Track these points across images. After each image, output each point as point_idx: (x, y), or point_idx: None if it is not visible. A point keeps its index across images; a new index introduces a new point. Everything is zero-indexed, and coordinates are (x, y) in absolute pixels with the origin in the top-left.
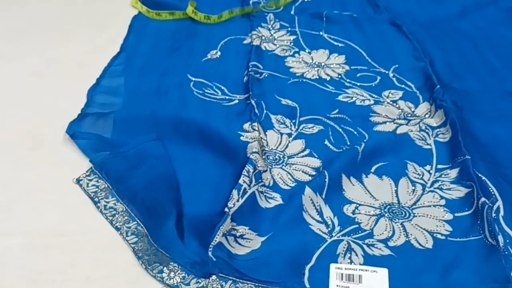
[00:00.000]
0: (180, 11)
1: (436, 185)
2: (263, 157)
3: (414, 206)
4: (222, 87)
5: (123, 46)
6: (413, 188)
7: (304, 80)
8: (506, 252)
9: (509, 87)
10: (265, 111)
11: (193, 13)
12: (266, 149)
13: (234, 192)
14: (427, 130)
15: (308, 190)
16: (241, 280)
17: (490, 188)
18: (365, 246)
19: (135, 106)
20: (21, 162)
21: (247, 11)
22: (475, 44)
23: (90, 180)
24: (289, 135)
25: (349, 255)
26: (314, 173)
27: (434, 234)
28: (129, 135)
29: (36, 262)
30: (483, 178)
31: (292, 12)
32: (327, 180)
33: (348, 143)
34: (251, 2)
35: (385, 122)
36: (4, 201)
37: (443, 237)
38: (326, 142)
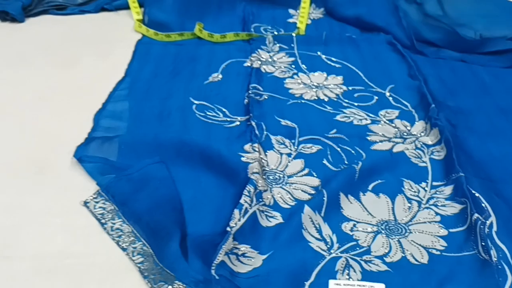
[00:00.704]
0: (189, 32)
1: (431, 201)
2: (264, 177)
3: (410, 223)
4: (224, 109)
5: (127, 71)
6: (409, 205)
7: (303, 101)
8: (499, 266)
9: (502, 103)
10: (265, 132)
11: (199, 32)
12: (267, 169)
13: (236, 211)
14: (422, 148)
15: (307, 209)
16: None
17: (483, 204)
18: (362, 263)
19: (139, 130)
20: (29, 186)
21: (254, 36)
22: (465, 61)
23: (97, 202)
24: (289, 155)
25: (347, 271)
26: (313, 192)
27: (430, 250)
28: (133, 158)
29: (44, 285)
30: (476, 194)
31: (292, 34)
32: (325, 198)
33: (346, 162)
34: (252, 26)
35: (381, 141)
36: (12, 225)
37: (438, 253)
38: (325, 161)
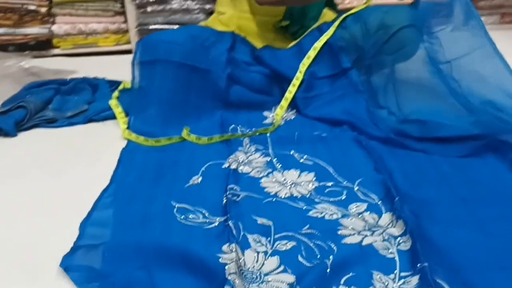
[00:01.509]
0: (176, 136)
1: None
2: (241, 277)
3: None
4: (203, 211)
5: (112, 178)
6: None
7: (277, 199)
8: None
9: (461, 193)
10: (242, 232)
11: (187, 136)
12: (244, 268)
13: None
14: (390, 240)
15: None
16: None
17: None
18: None
19: (122, 236)
20: None
21: (237, 136)
22: (426, 153)
23: None
24: (265, 253)
25: None
26: None
27: None
28: (117, 265)
29: None
30: (441, 283)
31: (267, 135)
32: None
33: (319, 257)
34: (229, 129)
35: (352, 234)
36: None
37: None
38: (299, 257)
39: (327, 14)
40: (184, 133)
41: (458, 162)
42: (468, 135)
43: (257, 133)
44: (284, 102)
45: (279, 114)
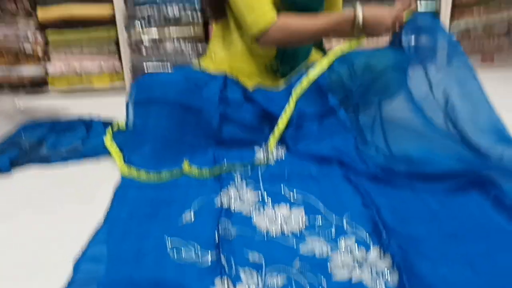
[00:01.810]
0: (178, 169)
1: None
2: None
3: None
4: (196, 247)
5: (106, 215)
6: None
7: (268, 234)
8: None
9: (449, 229)
10: (234, 267)
11: (189, 168)
12: None
13: None
14: (377, 274)
15: None
16: None
17: None
18: None
19: (116, 272)
20: None
21: (236, 167)
22: (413, 190)
23: None
24: (256, 287)
25: None
26: None
27: None
28: None
29: None
30: None
31: (259, 172)
32: None
33: None
34: (222, 165)
35: (341, 269)
36: None
37: None
38: None
39: (314, 55)
40: (185, 165)
41: (445, 199)
42: (453, 172)
43: (254, 164)
44: (277, 131)
45: (272, 143)
